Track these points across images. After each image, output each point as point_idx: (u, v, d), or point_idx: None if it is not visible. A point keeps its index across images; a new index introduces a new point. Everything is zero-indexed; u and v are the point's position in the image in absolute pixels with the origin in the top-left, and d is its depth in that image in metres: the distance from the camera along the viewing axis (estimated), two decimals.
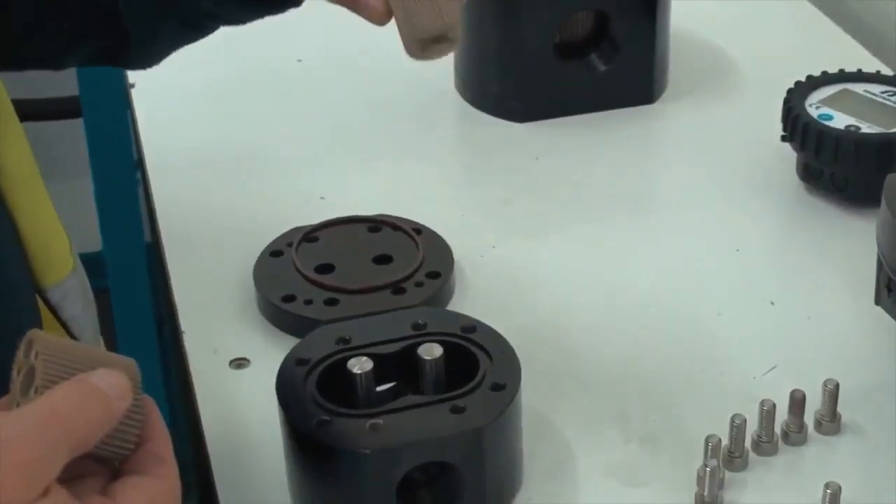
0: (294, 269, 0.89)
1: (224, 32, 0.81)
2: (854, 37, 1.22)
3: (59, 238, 0.69)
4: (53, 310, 0.69)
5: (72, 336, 0.70)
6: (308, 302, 0.86)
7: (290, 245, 0.91)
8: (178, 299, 0.91)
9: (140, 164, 1.23)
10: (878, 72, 1.04)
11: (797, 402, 0.77)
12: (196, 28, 0.78)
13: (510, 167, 1.06)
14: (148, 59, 0.80)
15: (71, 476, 0.50)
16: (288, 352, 0.75)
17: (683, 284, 0.92)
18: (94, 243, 1.82)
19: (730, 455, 0.76)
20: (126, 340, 1.83)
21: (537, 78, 1.10)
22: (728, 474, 0.75)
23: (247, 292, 0.90)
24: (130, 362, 0.54)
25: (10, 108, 0.65)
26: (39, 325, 0.66)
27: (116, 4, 0.73)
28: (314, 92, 1.15)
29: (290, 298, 0.87)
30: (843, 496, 0.71)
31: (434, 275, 0.88)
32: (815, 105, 0.99)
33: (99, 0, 0.74)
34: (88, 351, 0.53)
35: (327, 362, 0.74)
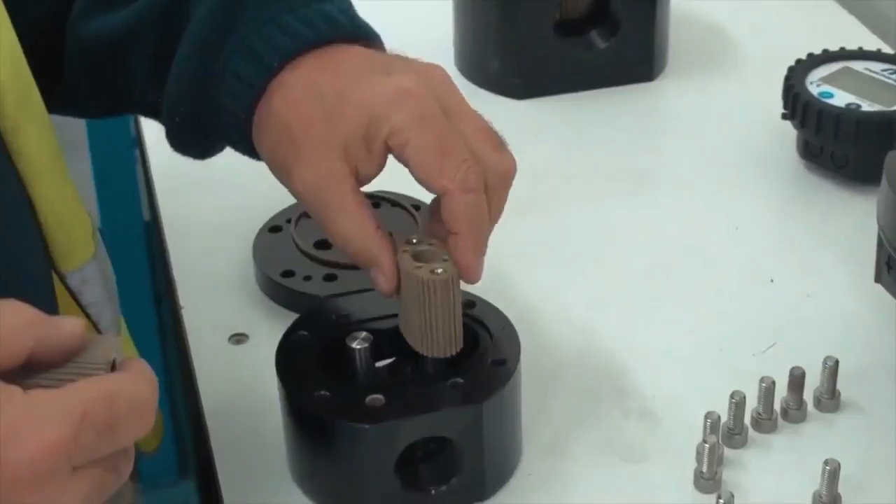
0: (293, 244, 0.89)
1: None
2: (855, 15, 1.22)
3: (80, 224, 0.69)
4: (73, 294, 0.68)
5: (90, 320, 0.70)
6: (307, 278, 0.86)
7: (289, 221, 0.91)
8: (177, 275, 0.91)
9: (138, 141, 1.23)
10: (879, 50, 1.04)
11: (797, 379, 0.77)
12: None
13: (510, 144, 1.05)
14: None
15: None
16: (287, 327, 0.75)
17: (683, 262, 0.92)
18: (93, 220, 1.82)
19: (729, 432, 0.76)
20: (125, 317, 1.83)
21: (537, 55, 1.10)
22: (727, 451, 0.75)
23: (246, 268, 0.90)
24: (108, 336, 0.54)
25: (36, 96, 0.64)
26: (55, 311, 0.66)
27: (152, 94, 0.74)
28: None
29: (289, 274, 0.87)
30: (842, 473, 0.71)
31: None
32: (815, 83, 0.99)
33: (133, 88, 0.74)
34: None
35: (326, 338, 0.74)
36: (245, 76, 0.69)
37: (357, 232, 0.68)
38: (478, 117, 0.69)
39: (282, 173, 0.69)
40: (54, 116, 0.68)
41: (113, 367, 0.52)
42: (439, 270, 0.66)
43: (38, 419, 0.48)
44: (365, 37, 0.71)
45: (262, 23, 0.69)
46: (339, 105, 0.66)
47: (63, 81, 0.76)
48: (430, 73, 0.69)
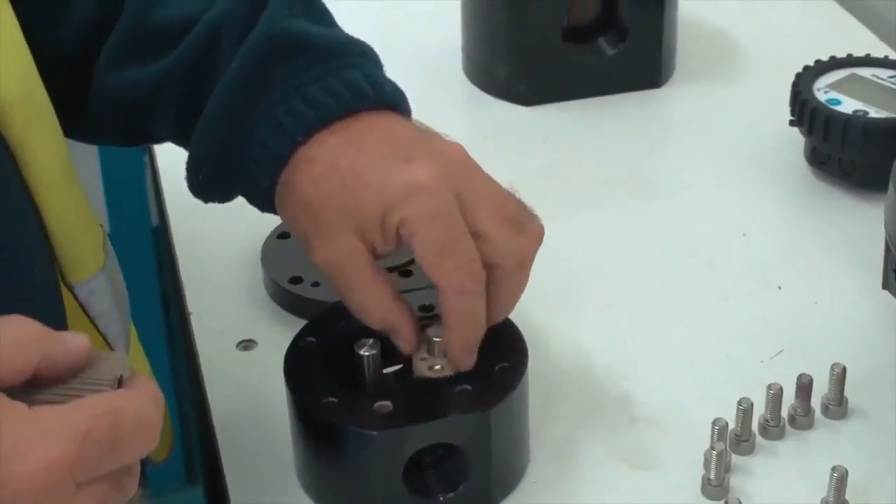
0: (301, 250, 0.89)
1: None
2: (862, 21, 1.22)
3: (89, 235, 0.69)
4: (81, 306, 0.69)
5: (98, 332, 0.70)
6: (315, 284, 0.86)
7: None
8: (186, 281, 0.92)
9: (148, 147, 1.23)
10: (887, 57, 1.04)
11: (804, 386, 0.77)
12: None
13: (517, 150, 1.06)
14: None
15: None
16: (295, 333, 0.75)
17: (690, 268, 0.92)
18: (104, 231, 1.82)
19: (737, 438, 0.76)
20: (133, 322, 1.83)
21: (545, 61, 1.10)
22: (735, 458, 0.75)
23: (254, 274, 0.90)
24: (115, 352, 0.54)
25: (48, 109, 0.64)
26: (63, 323, 0.67)
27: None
28: None
29: (297, 280, 0.87)
30: (850, 480, 0.71)
31: None
32: (823, 89, 0.99)
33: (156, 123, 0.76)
34: None
35: (335, 344, 0.74)
36: (270, 146, 0.70)
37: (375, 305, 0.70)
38: (497, 197, 0.70)
39: (303, 245, 0.71)
40: None
41: (119, 384, 0.52)
42: (437, 367, 0.71)
43: (42, 436, 0.48)
44: (390, 105, 0.72)
45: (288, 91, 0.70)
46: (357, 190, 0.68)
47: (86, 114, 0.76)
48: (449, 158, 0.69)
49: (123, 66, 0.73)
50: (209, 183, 0.73)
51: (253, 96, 0.70)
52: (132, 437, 0.50)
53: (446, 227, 0.67)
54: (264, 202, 0.72)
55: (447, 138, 0.71)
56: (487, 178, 0.70)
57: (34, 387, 0.51)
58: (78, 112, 0.75)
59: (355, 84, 0.70)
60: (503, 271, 0.69)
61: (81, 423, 0.49)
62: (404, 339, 0.71)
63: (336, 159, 0.68)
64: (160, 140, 0.78)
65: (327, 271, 0.70)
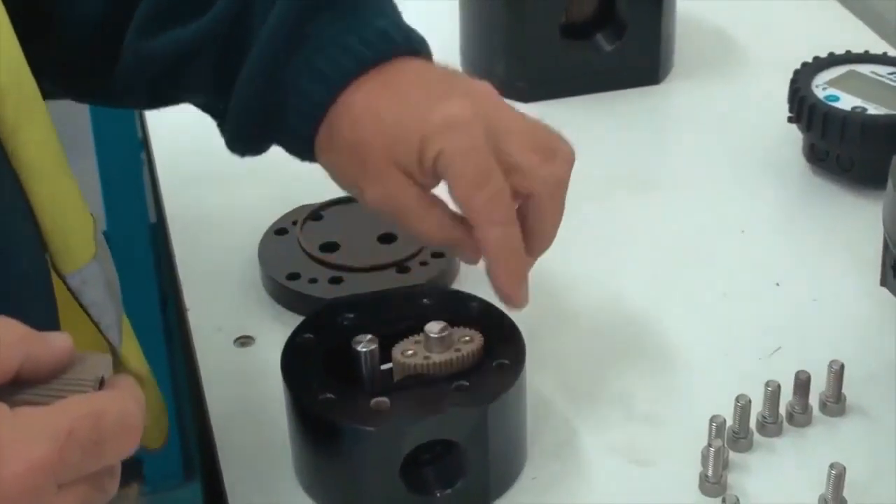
0: (299, 247, 0.89)
1: None
2: (861, 18, 1.21)
3: (81, 225, 0.69)
4: (74, 294, 0.69)
5: (91, 320, 0.70)
6: (313, 280, 0.86)
7: (295, 223, 0.91)
8: (183, 277, 0.91)
9: (145, 142, 1.23)
10: (885, 53, 1.04)
11: (802, 383, 0.77)
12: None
13: None
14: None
15: None
16: (293, 330, 0.75)
17: (688, 265, 0.92)
18: (99, 222, 1.82)
19: (734, 435, 0.76)
20: (130, 319, 1.83)
21: (543, 58, 1.10)
22: (733, 454, 0.75)
23: (252, 270, 0.90)
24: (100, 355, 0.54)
25: (37, 99, 0.65)
26: (54, 312, 0.67)
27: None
28: None
29: (294, 276, 0.87)
30: (848, 477, 0.71)
31: (439, 254, 0.88)
32: (821, 86, 0.99)
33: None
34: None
35: (332, 340, 0.74)
36: (311, 95, 0.73)
37: (435, 228, 0.73)
38: (526, 129, 0.74)
39: (351, 188, 0.75)
40: (57, 118, 0.68)
41: (102, 385, 0.52)
42: (431, 359, 0.71)
43: (24, 436, 0.48)
44: (416, 51, 0.75)
45: (326, 43, 0.73)
46: (396, 129, 0.71)
47: (111, 79, 0.78)
48: (480, 95, 0.73)
49: (157, 32, 0.76)
50: (250, 135, 0.76)
51: (291, 49, 0.73)
52: (114, 439, 0.50)
53: (478, 161, 0.70)
54: (305, 151, 0.75)
55: (473, 78, 0.76)
56: (515, 112, 0.74)
57: (16, 387, 0.51)
58: (103, 77, 0.77)
59: (385, 32, 0.74)
60: (539, 199, 0.73)
61: (64, 424, 0.49)
62: (469, 252, 0.73)
63: (373, 102, 0.72)
64: (188, 101, 0.80)
65: (381, 208, 0.73)
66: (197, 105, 0.79)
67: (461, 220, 0.73)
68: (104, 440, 0.50)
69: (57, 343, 0.52)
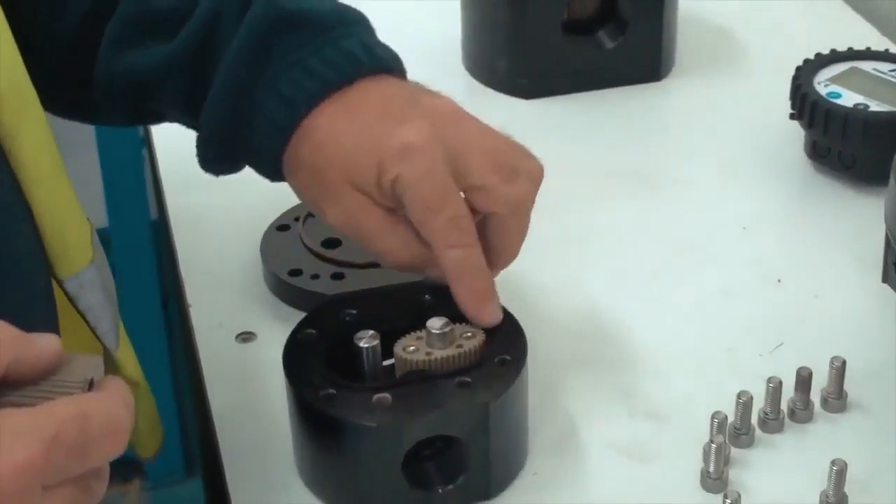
0: (301, 243, 0.89)
1: None
2: (863, 15, 1.21)
3: (78, 230, 0.69)
4: (71, 299, 0.69)
5: (88, 325, 0.70)
6: (315, 276, 0.86)
7: (297, 219, 0.91)
8: (185, 274, 0.91)
9: (146, 140, 1.23)
10: (887, 50, 1.04)
11: (804, 379, 0.77)
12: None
13: None
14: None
15: None
16: (294, 326, 0.75)
17: (690, 261, 0.92)
18: (100, 219, 1.82)
19: (736, 432, 0.76)
20: (131, 316, 1.83)
21: (545, 55, 1.10)
22: (734, 451, 0.75)
23: (254, 266, 0.90)
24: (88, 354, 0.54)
25: (34, 102, 0.65)
26: (53, 314, 0.66)
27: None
28: None
29: (296, 273, 0.87)
30: (849, 473, 0.71)
31: None
32: (823, 83, 0.99)
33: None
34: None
35: (334, 336, 0.74)
36: (275, 119, 0.73)
37: (398, 246, 0.73)
38: (489, 148, 0.73)
39: (315, 209, 0.75)
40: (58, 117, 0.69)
41: (90, 386, 0.52)
42: (432, 355, 0.71)
43: (9, 438, 0.48)
44: (384, 69, 0.75)
45: (290, 65, 0.73)
46: (355, 153, 0.72)
47: (89, 96, 0.79)
48: (440, 115, 0.73)
49: (127, 50, 0.76)
50: (219, 157, 0.76)
51: (256, 72, 0.73)
52: (101, 441, 0.50)
53: (434, 186, 0.70)
54: (273, 172, 0.76)
55: (438, 95, 0.75)
56: (480, 128, 0.74)
57: (3, 388, 0.50)
58: (80, 94, 0.78)
59: (351, 53, 0.74)
60: (500, 218, 0.73)
61: (50, 426, 0.49)
62: (436, 273, 0.73)
63: (334, 126, 0.72)
64: (164, 120, 0.81)
65: (344, 230, 0.74)
66: (177, 122, 0.80)
67: (426, 241, 0.73)
68: (90, 442, 0.50)
69: (45, 345, 0.52)
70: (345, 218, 0.73)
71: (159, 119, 0.82)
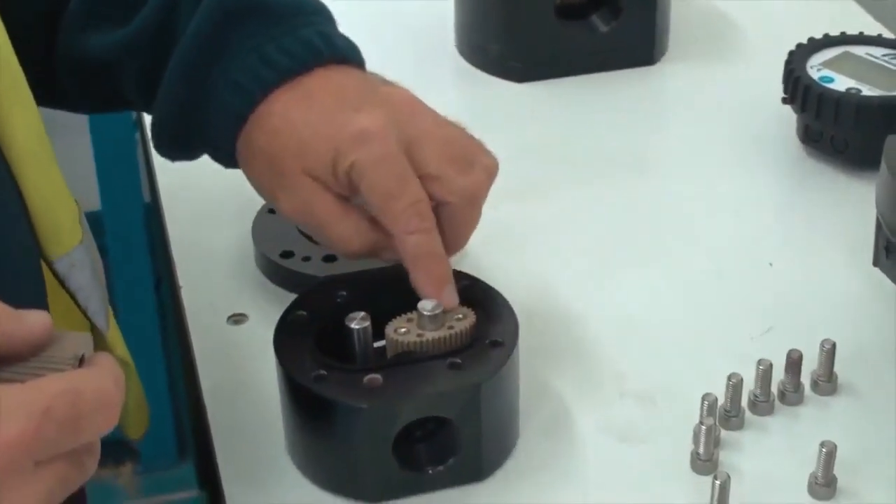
0: (293, 225, 0.89)
1: None
2: (856, 0, 1.21)
3: (66, 210, 0.69)
4: (60, 280, 0.69)
5: (78, 305, 0.70)
6: (306, 258, 0.86)
7: None
8: (176, 255, 0.91)
9: (139, 123, 1.23)
10: (880, 35, 1.04)
11: (794, 361, 0.77)
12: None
13: (510, 127, 1.05)
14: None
15: None
16: (285, 308, 0.75)
17: (682, 245, 0.92)
18: (93, 202, 1.82)
19: (726, 414, 0.76)
20: (124, 299, 1.84)
21: (538, 38, 1.10)
22: (724, 433, 0.75)
23: (245, 248, 0.90)
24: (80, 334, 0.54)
25: (22, 81, 0.65)
26: (43, 294, 0.66)
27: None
28: None
29: (288, 254, 0.87)
30: (839, 455, 0.71)
31: None
32: (816, 67, 0.99)
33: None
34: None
35: (325, 318, 0.74)
36: (229, 106, 0.74)
37: (352, 232, 0.73)
38: (443, 139, 0.74)
39: (268, 197, 0.76)
40: None
41: (80, 363, 0.52)
42: (423, 336, 0.71)
43: (0, 414, 0.48)
44: (343, 59, 0.75)
45: (245, 52, 0.73)
46: (309, 139, 0.72)
47: (55, 81, 0.79)
48: (396, 104, 0.74)
49: (85, 33, 0.76)
50: (174, 143, 0.77)
51: (210, 58, 0.73)
52: (92, 417, 0.50)
53: (391, 171, 0.71)
54: (227, 160, 0.76)
55: (395, 85, 0.76)
56: (436, 120, 0.75)
57: None
58: (45, 81, 0.76)
59: (309, 42, 0.74)
60: (453, 208, 0.74)
61: (40, 401, 0.48)
62: (389, 256, 0.74)
63: (290, 114, 0.72)
64: (131, 107, 0.81)
65: (297, 218, 0.74)
66: (139, 109, 0.80)
67: (378, 226, 0.73)
68: (82, 417, 0.49)
69: (35, 321, 0.52)
70: (298, 205, 0.73)
71: (126, 105, 0.81)
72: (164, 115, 0.75)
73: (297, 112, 0.72)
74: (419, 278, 0.73)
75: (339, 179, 0.71)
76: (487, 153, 0.76)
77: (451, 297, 0.73)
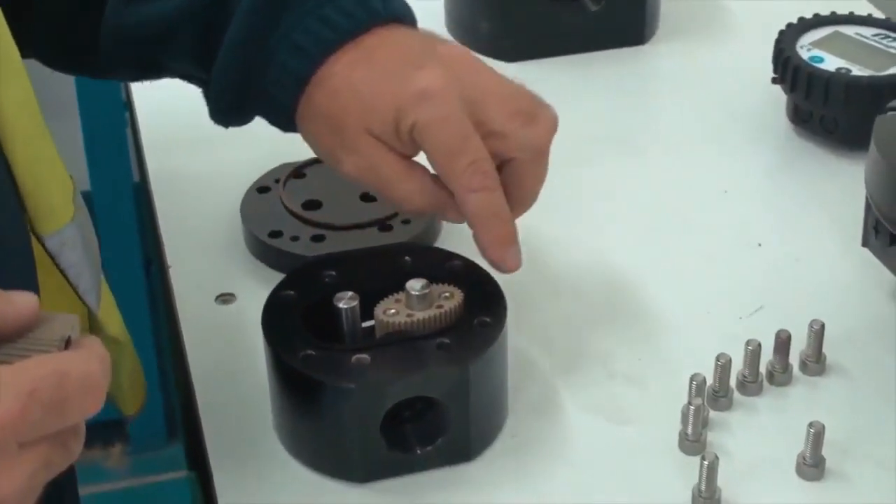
0: (281, 205, 0.89)
1: None
2: None
3: (60, 186, 0.69)
4: (52, 257, 0.68)
5: (69, 283, 0.70)
6: (295, 238, 0.86)
7: (277, 181, 0.91)
8: (165, 235, 0.91)
9: (128, 103, 1.22)
10: (870, 15, 1.04)
11: (782, 342, 0.77)
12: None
13: None
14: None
15: None
16: (274, 287, 0.75)
17: (671, 225, 0.92)
18: (83, 183, 1.82)
19: (714, 394, 0.76)
20: (114, 279, 1.83)
21: (528, 18, 1.10)
22: (712, 413, 0.75)
23: (234, 228, 0.89)
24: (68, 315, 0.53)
25: (15, 57, 0.64)
26: (32, 271, 0.66)
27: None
28: None
29: (276, 234, 0.87)
30: (827, 435, 0.71)
31: None
32: (806, 47, 0.99)
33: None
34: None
35: (313, 298, 0.74)
36: (291, 68, 0.73)
37: (417, 191, 0.73)
38: (506, 93, 0.74)
39: (330, 159, 0.75)
40: (40, 79, 0.68)
41: (68, 345, 0.52)
42: (413, 316, 0.71)
43: None
44: (398, 19, 0.75)
45: (304, 15, 0.73)
46: (372, 99, 0.72)
47: (97, 51, 0.78)
48: (457, 62, 0.73)
49: (137, 3, 0.76)
50: (231, 108, 0.76)
51: (270, 22, 0.73)
52: (77, 398, 0.50)
53: (454, 130, 0.71)
54: (285, 122, 0.76)
55: (453, 43, 0.76)
56: (494, 76, 0.74)
57: None
58: (87, 51, 0.78)
59: (366, 2, 0.74)
60: (520, 163, 0.74)
61: (26, 383, 0.48)
62: (453, 215, 0.73)
63: (351, 74, 0.72)
64: (168, 74, 0.80)
65: (361, 177, 0.74)
66: (182, 78, 0.79)
67: (443, 185, 0.73)
68: (67, 399, 0.49)
69: (21, 302, 0.51)
70: (363, 165, 0.73)
71: (164, 73, 0.81)
72: (224, 83, 0.75)
73: (358, 72, 0.72)
74: (482, 239, 0.72)
75: (402, 138, 0.71)
76: (547, 105, 0.75)
77: (515, 259, 0.73)
